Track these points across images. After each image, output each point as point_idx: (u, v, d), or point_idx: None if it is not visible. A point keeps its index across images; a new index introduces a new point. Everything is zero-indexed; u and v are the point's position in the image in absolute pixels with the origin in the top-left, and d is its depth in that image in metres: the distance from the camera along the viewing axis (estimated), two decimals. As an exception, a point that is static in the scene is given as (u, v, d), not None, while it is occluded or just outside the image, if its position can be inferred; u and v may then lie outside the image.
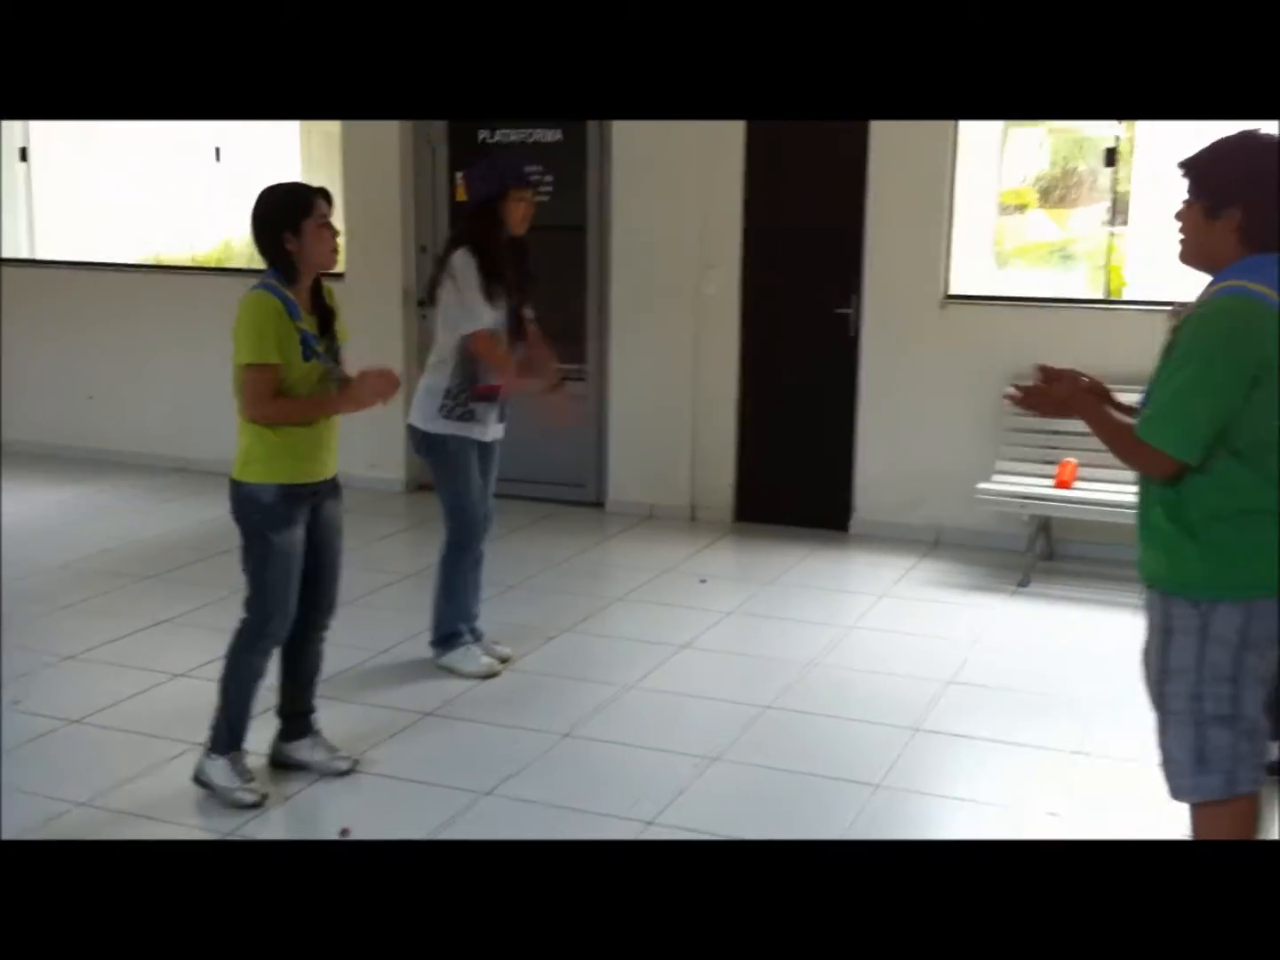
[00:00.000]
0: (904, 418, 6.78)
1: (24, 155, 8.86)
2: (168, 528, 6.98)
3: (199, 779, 3.98)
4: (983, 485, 6.28)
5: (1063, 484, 6.14)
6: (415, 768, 4.17)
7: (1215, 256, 2.87)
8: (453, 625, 4.99)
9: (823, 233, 6.87)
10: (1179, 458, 2.80)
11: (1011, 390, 3.05)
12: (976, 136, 6.89)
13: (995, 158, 7.80)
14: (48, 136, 8.79)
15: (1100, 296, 7.12)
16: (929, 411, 6.72)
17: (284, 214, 3.79)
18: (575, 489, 7.60)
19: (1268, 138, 2.82)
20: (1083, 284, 7.63)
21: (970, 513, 6.53)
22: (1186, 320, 2.87)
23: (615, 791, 4.02)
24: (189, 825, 3.80)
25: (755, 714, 4.61)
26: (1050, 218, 8.19)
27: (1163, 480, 2.87)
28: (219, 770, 3.95)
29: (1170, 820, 3.26)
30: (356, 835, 3.69)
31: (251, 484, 3.85)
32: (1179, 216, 2.91)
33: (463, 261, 4.69)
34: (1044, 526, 6.40)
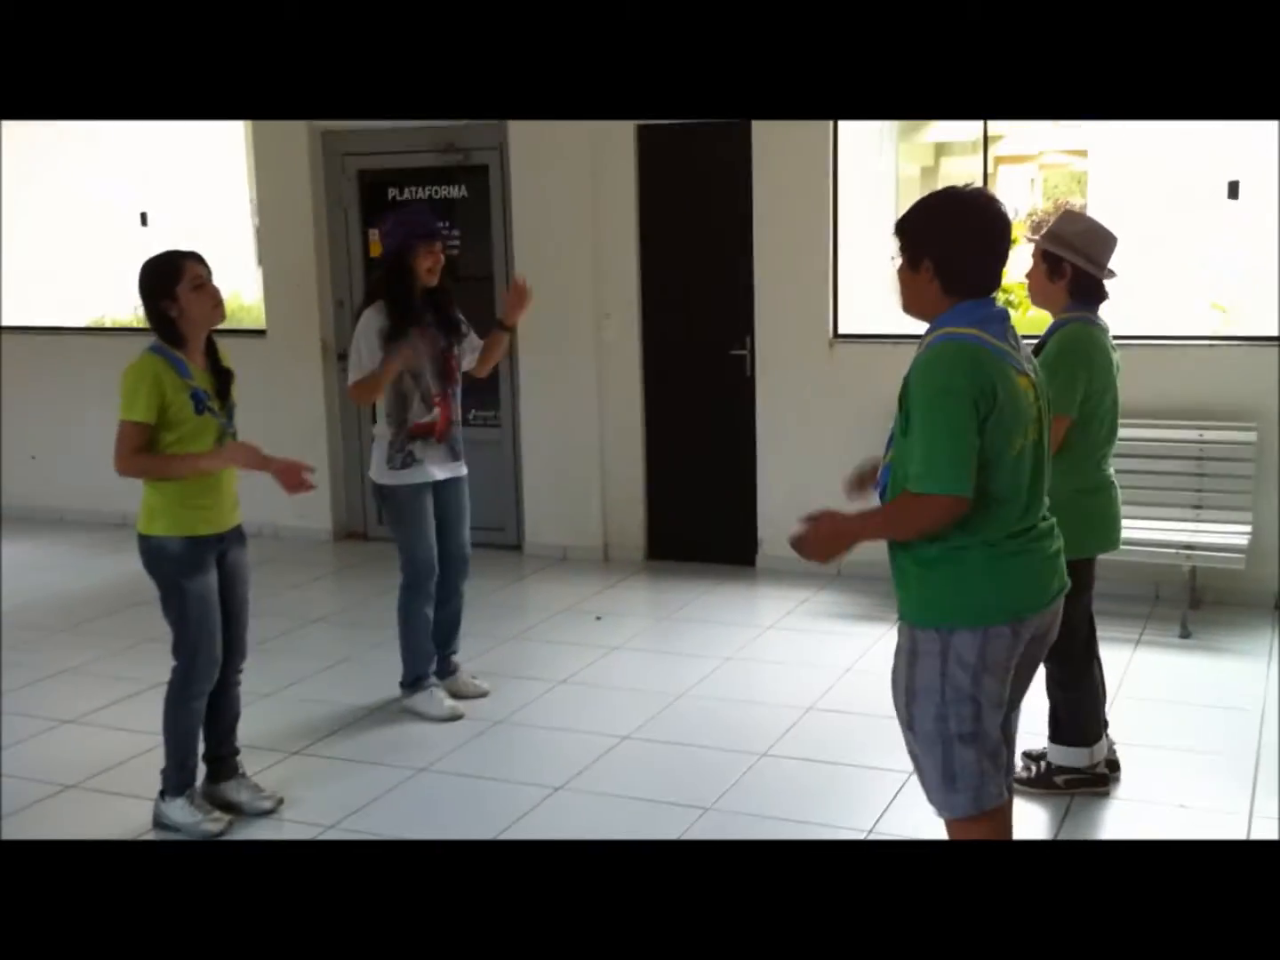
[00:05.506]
0: (800, 454, 6.97)
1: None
2: (91, 581, 7.19)
3: (160, 823, 4.18)
4: (867, 517, 6.46)
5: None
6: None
7: (924, 306, 3.09)
8: (418, 668, 5.14)
9: (715, 279, 7.10)
10: (959, 494, 2.90)
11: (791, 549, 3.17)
12: (868, 180, 7.11)
13: (892, 194, 8.05)
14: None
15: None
16: (823, 447, 6.87)
17: (158, 284, 4.00)
18: (496, 533, 7.80)
19: (959, 193, 3.04)
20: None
21: (867, 545, 6.68)
22: (910, 371, 3.09)
23: (457, 820, 4.21)
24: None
25: (612, 744, 4.79)
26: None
27: (952, 522, 2.96)
28: (178, 810, 4.16)
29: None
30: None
31: (159, 536, 4.04)
32: (897, 273, 3.14)
33: (365, 318, 4.95)
34: (930, 556, 6.55)
